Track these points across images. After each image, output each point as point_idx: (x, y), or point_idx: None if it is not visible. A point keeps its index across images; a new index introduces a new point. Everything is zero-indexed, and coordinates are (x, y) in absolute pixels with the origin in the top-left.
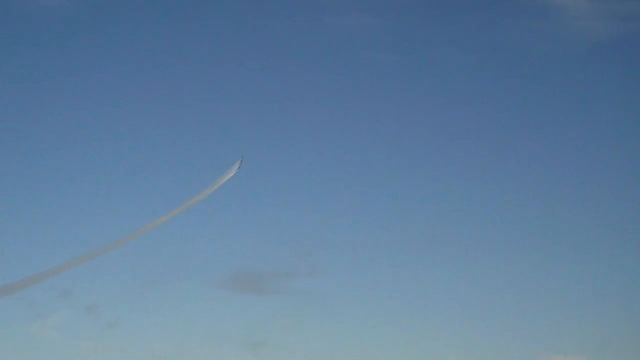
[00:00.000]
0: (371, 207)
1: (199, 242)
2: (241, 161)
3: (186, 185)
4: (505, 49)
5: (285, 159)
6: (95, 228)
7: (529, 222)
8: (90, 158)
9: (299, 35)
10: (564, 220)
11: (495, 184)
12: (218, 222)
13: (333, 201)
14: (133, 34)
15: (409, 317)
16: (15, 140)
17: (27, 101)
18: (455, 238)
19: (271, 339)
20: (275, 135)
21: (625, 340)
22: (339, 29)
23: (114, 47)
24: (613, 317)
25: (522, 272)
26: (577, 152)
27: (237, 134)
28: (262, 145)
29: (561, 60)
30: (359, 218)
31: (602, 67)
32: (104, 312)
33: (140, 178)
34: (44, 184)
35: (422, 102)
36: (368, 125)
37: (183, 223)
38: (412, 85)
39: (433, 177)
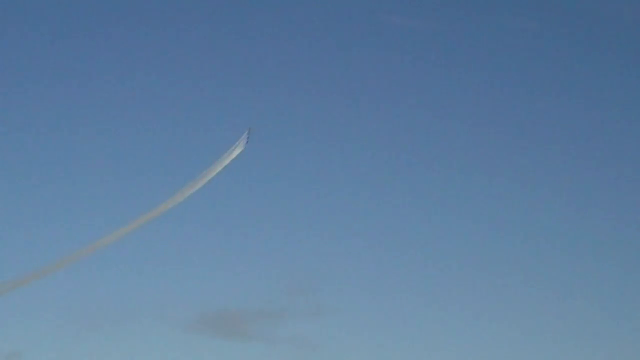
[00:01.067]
0: (386, 234)
1: (161, 270)
2: (248, 133)
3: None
4: (581, 11)
5: (280, 165)
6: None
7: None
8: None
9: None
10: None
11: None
12: (188, 245)
13: (341, 225)
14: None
15: None
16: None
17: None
18: (469, 275)
19: None
20: (276, 132)
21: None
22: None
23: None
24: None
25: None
26: None
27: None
28: (260, 141)
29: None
30: (372, 245)
31: None
32: None
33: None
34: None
35: (456, 84)
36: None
37: (141, 245)
38: (442, 61)
39: (451, 210)
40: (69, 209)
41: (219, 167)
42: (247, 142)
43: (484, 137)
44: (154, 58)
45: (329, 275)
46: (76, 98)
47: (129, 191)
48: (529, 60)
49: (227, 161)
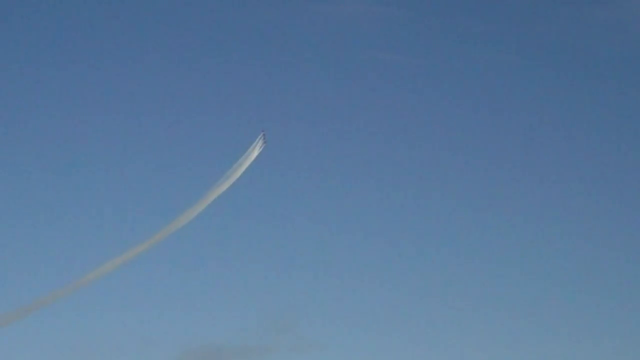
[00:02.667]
0: (368, 271)
1: (145, 306)
2: (263, 135)
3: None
4: (554, 44)
5: (262, 203)
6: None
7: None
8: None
9: (285, 26)
10: None
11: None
12: (172, 282)
13: (324, 263)
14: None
15: None
16: None
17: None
18: (450, 311)
19: None
20: (262, 171)
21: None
22: (332, 18)
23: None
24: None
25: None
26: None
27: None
28: (245, 179)
29: (623, 56)
30: (355, 282)
31: None
32: None
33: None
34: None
35: (442, 118)
36: (365, 155)
37: (125, 282)
38: (427, 95)
39: (437, 238)
40: (57, 239)
41: (238, 172)
42: (264, 143)
43: (469, 165)
44: (159, 61)
45: (313, 311)
46: (83, 107)
47: (136, 209)
48: (513, 93)
49: (245, 165)
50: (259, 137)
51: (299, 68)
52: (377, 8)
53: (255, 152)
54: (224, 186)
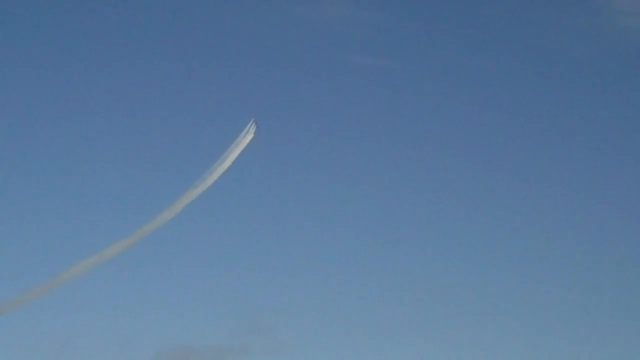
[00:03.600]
0: (344, 271)
1: (120, 307)
2: (254, 122)
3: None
4: (532, 50)
5: (239, 206)
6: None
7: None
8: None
9: (265, 29)
10: None
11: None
12: (147, 282)
13: (299, 263)
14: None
15: None
16: None
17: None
18: (428, 311)
19: None
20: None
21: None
22: (313, 22)
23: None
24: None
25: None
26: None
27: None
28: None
29: (604, 62)
30: (331, 283)
31: None
32: None
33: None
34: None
35: (422, 122)
36: (347, 158)
37: (100, 282)
38: (410, 100)
39: (418, 243)
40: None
41: (230, 159)
42: (255, 129)
43: (453, 165)
44: (153, 54)
45: (288, 313)
46: (75, 94)
47: (130, 196)
48: (494, 96)
49: (237, 152)
50: (250, 124)
51: (279, 71)
52: (358, 12)
53: (247, 139)
54: (211, 179)
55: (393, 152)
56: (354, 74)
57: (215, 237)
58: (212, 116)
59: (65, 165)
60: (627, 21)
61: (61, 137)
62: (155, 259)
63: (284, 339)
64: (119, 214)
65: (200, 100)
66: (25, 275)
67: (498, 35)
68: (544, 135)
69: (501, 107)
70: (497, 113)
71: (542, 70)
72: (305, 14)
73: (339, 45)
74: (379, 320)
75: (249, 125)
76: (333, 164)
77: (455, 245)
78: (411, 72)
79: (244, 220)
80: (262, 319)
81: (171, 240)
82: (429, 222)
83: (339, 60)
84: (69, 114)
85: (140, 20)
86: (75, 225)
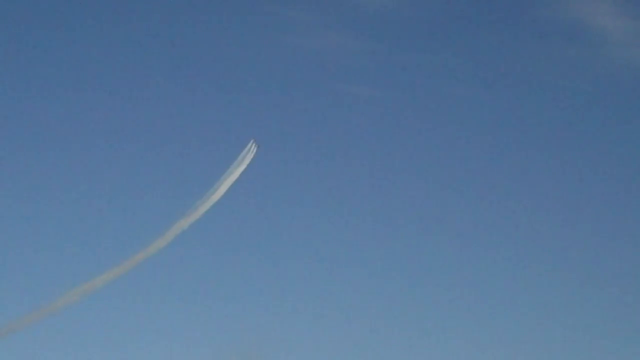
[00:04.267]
0: (335, 301)
1: (102, 336)
2: (254, 143)
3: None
4: (526, 82)
5: (228, 233)
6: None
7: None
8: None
9: (255, 57)
10: None
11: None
12: (135, 309)
13: (290, 292)
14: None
15: None
16: None
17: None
18: (434, 339)
19: None
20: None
21: None
22: (302, 50)
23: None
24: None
25: None
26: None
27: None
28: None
29: (598, 93)
30: (322, 313)
31: None
32: None
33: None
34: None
35: (414, 153)
36: (341, 187)
37: (91, 310)
38: (400, 130)
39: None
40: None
41: (229, 181)
42: (256, 149)
43: (448, 196)
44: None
45: (277, 342)
46: (74, 107)
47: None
48: (486, 127)
49: (237, 173)
50: (250, 144)
51: (271, 100)
52: (351, 41)
53: (247, 158)
54: (211, 201)
55: (385, 180)
56: (346, 103)
57: (203, 264)
58: (199, 146)
59: (62, 183)
60: (622, 53)
61: (56, 151)
62: (145, 288)
63: None
64: (112, 239)
65: (190, 132)
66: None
67: (492, 67)
68: (538, 167)
69: (495, 139)
70: (491, 145)
71: (537, 102)
72: (298, 43)
73: (331, 74)
74: (370, 349)
75: (249, 146)
76: (324, 194)
77: (453, 285)
78: (404, 102)
79: (232, 248)
80: (251, 348)
81: (161, 268)
82: (424, 254)
83: (332, 89)
84: (66, 138)
85: (139, 48)
86: (65, 253)
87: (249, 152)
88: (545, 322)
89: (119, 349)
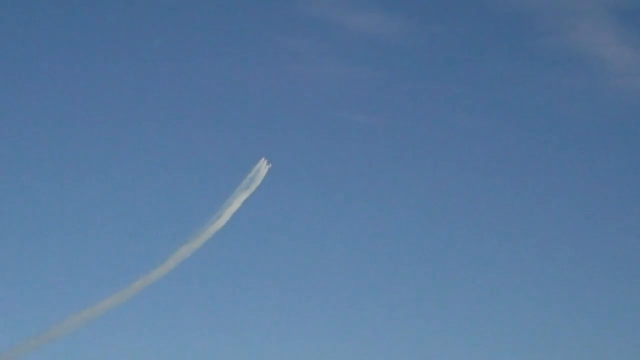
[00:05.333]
0: (347, 320)
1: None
2: (266, 162)
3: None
4: (526, 112)
5: (224, 269)
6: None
7: None
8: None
9: (254, 85)
10: None
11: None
12: (133, 332)
13: (297, 311)
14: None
15: None
16: None
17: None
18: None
19: None
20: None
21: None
22: (303, 78)
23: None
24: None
25: None
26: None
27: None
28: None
29: (599, 124)
30: (330, 333)
31: None
32: None
33: None
34: None
35: (417, 183)
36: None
37: (83, 337)
38: (401, 159)
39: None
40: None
41: (240, 200)
42: (269, 166)
43: (449, 224)
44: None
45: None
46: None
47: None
48: (486, 156)
49: (249, 192)
50: (261, 162)
51: (265, 128)
52: (348, 69)
53: (260, 175)
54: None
55: (384, 209)
56: (346, 131)
57: (209, 291)
58: (198, 173)
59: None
60: (621, 83)
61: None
62: (147, 314)
63: None
64: (117, 263)
65: (188, 160)
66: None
67: (493, 96)
68: (540, 195)
69: (494, 167)
70: (491, 173)
71: (538, 131)
72: (298, 70)
73: (331, 102)
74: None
75: (260, 164)
76: (323, 222)
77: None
78: (404, 131)
79: (237, 274)
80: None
81: (164, 294)
82: (427, 275)
83: (331, 117)
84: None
85: (141, 74)
86: (65, 279)
87: (260, 171)
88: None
89: None
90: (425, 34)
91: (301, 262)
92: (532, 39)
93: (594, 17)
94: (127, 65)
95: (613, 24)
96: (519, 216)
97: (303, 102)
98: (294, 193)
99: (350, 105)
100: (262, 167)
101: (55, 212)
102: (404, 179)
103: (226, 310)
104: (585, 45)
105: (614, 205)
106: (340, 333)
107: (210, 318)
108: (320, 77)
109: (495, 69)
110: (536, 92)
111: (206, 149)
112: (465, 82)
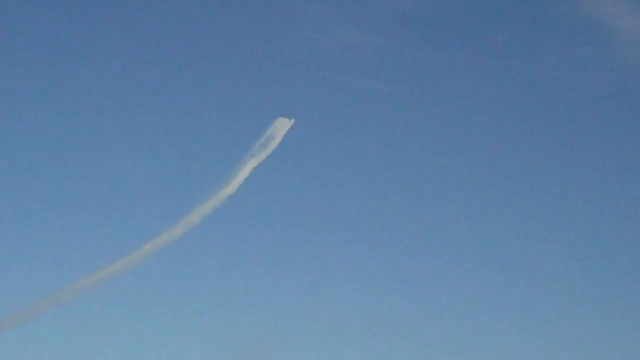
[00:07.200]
0: (345, 294)
1: (113, 329)
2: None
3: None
4: (539, 81)
5: (238, 230)
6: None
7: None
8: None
9: (269, 53)
10: None
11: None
12: (144, 302)
13: (299, 285)
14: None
15: None
16: None
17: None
18: (440, 341)
19: None
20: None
21: None
22: (317, 46)
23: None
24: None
25: None
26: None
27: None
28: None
29: (610, 92)
30: (336, 305)
31: None
32: None
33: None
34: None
35: (427, 155)
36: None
37: (102, 302)
38: (414, 125)
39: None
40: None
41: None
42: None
43: (459, 187)
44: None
45: (290, 336)
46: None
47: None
48: (500, 127)
49: (270, 149)
50: (279, 121)
51: (285, 95)
52: (367, 37)
53: (280, 135)
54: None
55: (397, 175)
56: (361, 98)
57: (217, 258)
58: (213, 140)
59: (75, 166)
60: (636, 52)
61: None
62: (155, 280)
63: None
64: (123, 229)
65: (203, 125)
66: (21, 294)
67: (505, 65)
68: (548, 165)
69: (505, 137)
70: (504, 143)
71: (549, 101)
72: (314, 38)
73: (346, 69)
74: (383, 342)
75: (279, 122)
76: (337, 188)
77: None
78: (418, 98)
79: (248, 241)
80: (264, 342)
81: (173, 260)
82: (439, 234)
83: (347, 85)
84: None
85: (150, 50)
86: (76, 242)
87: (281, 128)
88: (545, 321)
89: (136, 342)
90: (440, 3)
91: (309, 230)
92: (546, 7)
93: None
94: (146, 22)
95: None
96: (526, 180)
97: (320, 70)
98: (309, 158)
99: (366, 73)
100: (282, 125)
101: (69, 172)
102: (417, 144)
103: (244, 274)
104: (599, 15)
105: (628, 175)
106: (351, 296)
107: (222, 283)
108: (335, 44)
109: (507, 37)
110: (548, 61)
111: (219, 113)
112: (478, 50)
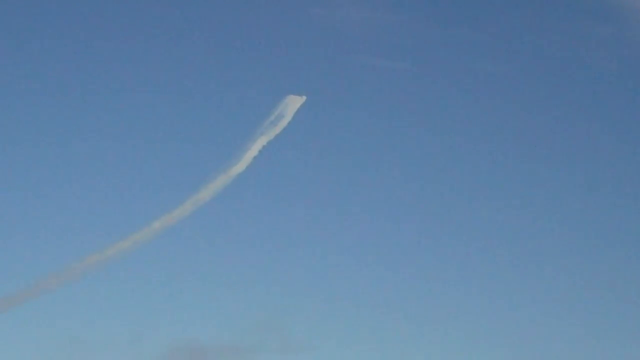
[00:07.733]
0: (358, 271)
1: (133, 303)
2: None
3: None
4: (551, 58)
5: (253, 206)
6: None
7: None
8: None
9: (276, 28)
10: None
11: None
12: (160, 279)
13: (312, 262)
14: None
15: None
16: None
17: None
18: (446, 315)
19: None
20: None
21: None
22: (325, 22)
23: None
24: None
25: None
26: None
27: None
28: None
29: (628, 72)
30: (347, 281)
31: None
32: None
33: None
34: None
35: (435, 130)
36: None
37: (112, 279)
38: (425, 103)
39: (429, 243)
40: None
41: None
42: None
43: (464, 170)
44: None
45: (301, 311)
46: (76, 106)
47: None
48: (509, 104)
49: (280, 126)
50: (289, 98)
51: (293, 72)
52: (375, 14)
53: (290, 112)
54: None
55: (409, 153)
56: (371, 76)
57: (230, 234)
58: (222, 118)
59: (72, 159)
60: None
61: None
62: (169, 255)
63: (296, 338)
64: (133, 206)
65: (207, 97)
66: (32, 269)
67: (521, 43)
68: (565, 144)
69: (519, 116)
70: (515, 121)
71: (566, 79)
72: (321, 15)
73: (356, 47)
74: (393, 319)
75: (289, 99)
76: (349, 166)
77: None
78: (429, 76)
79: (259, 219)
80: (275, 317)
81: (185, 236)
82: (450, 224)
83: (357, 62)
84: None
85: (152, 26)
86: (86, 218)
87: (292, 105)
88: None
89: (147, 317)
90: None
91: (324, 193)
92: None
93: None
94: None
95: None
96: (541, 160)
97: (327, 47)
98: (319, 135)
99: (375, 50)
100: (293, 103)
101: (80, 149)
102: (429, 122)
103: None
104: None
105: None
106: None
107: (231, 260)
108: (345, 21)
109: (524, 16)
110: (565, 40)
111: (228, 90)
112: (493, 28)
